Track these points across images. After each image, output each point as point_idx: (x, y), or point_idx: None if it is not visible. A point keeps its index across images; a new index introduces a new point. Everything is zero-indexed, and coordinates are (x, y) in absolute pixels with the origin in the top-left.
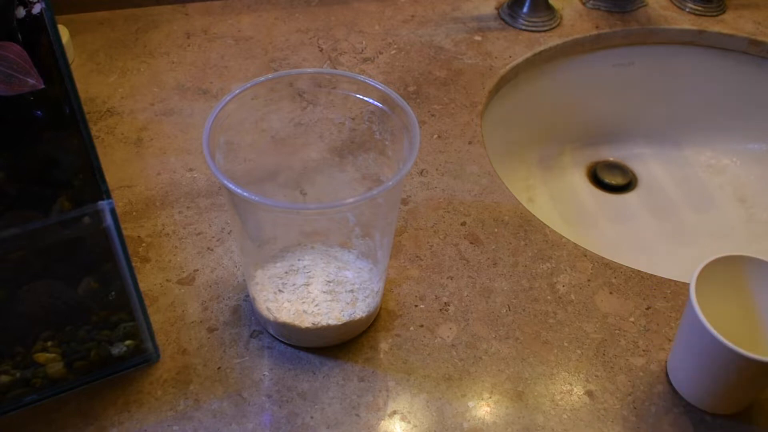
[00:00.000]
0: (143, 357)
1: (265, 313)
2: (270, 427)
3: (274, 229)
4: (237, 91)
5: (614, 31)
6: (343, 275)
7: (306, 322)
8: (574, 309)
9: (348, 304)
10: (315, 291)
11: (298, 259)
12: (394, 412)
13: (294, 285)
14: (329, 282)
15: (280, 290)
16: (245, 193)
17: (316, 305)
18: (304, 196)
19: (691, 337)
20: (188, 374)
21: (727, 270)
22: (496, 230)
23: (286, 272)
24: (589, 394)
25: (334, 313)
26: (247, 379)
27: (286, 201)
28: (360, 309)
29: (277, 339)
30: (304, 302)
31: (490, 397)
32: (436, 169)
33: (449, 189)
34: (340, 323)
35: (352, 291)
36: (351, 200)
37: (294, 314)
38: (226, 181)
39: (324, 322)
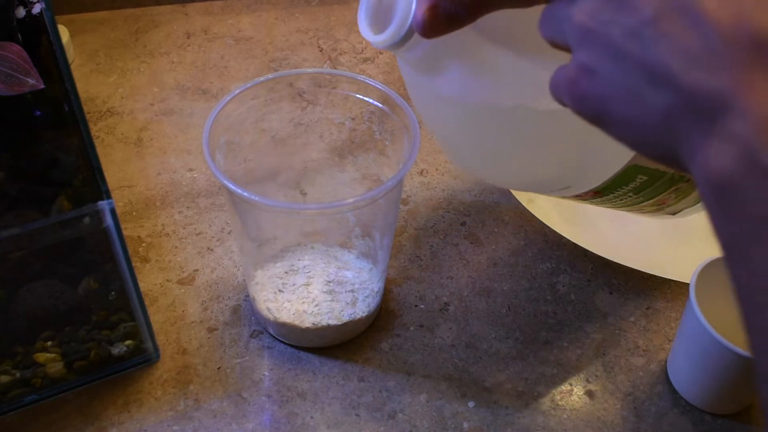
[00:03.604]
0: (143, 357)
1: (265, 313)
2: (270, 427)
3: (274, 229)
4: (237, 91)
5: None
6: (343, 275)
7: (306, 322)
8: (574, 309)
9: (348, 304)
10: (315, 291)
11: (298, 259)
12: (394, 412)
13: (294, 285)
14: (329, 282)
15: (280, 290)
16: (245, 193)
17: (316, 305)
18: (304, 196)
19: (691, 337)
20: (188, 374)
21: None
22: (496, 230)
23: (286, 272)
24: (589, 394)
25: (334, 313)
26: (247, 379)
27: (286, 201)
28: (360, 309)
29: (277, 339)
30: (304, 302)
31: (490, 397)
32: (436, 169)
33: (449, 189)
34: (340, 323)
35: (352, 291)
36: (351, 200)
37: (294, 314)
38: (226, 181)
39: (324, 322)
